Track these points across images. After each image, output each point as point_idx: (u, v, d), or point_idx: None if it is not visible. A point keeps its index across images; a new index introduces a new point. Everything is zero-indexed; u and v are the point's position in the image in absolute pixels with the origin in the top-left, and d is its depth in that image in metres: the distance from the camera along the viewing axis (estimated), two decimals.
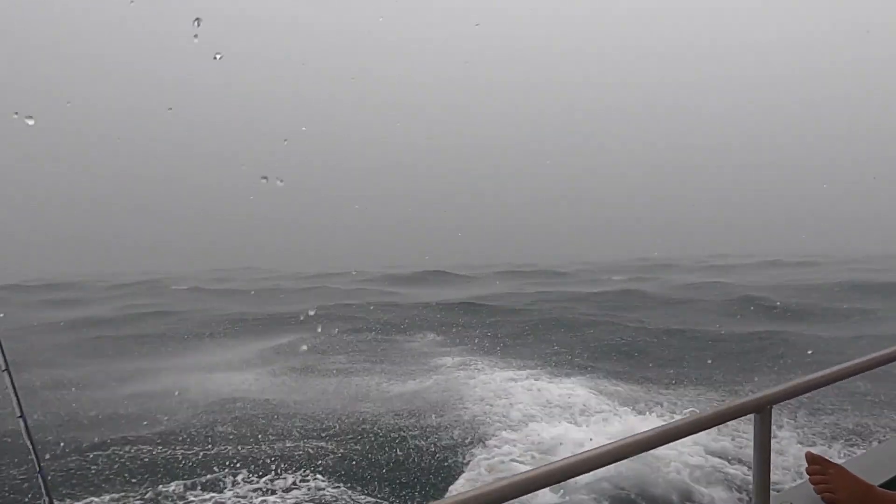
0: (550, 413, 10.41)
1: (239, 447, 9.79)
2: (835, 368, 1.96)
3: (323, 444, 10.08)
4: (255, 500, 7.75)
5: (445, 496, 1.21)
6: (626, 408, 11.08)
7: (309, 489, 8.11)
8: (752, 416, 1.73)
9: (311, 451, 9.65)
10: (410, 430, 10.17)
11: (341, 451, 9.61)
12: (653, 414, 10.73)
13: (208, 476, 8.71)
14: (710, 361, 16.08)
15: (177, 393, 12.66)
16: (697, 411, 1.71)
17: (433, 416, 10.99)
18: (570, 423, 9.67)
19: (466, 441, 9.23)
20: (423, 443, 9.56)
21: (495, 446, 8.60)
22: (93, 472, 8.79)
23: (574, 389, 12.35)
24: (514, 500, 1.19)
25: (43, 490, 1.96)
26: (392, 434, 10.10)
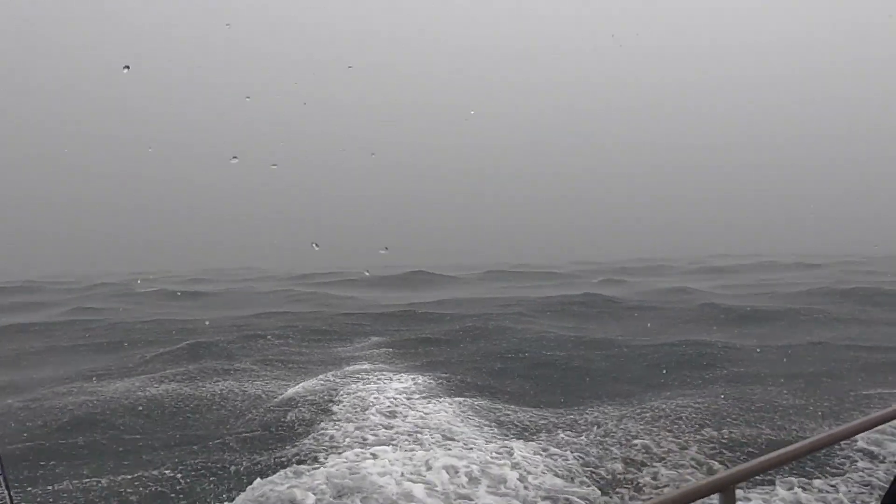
0: (393, 440, 9.61)
1: (57, 484, 8.99)
2: (799, 444, 1.94)
3: (158, 473, 9.32)
4: None
5: None
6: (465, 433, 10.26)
7: None
8: (716, 496, 1.74)
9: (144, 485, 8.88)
10: (251, 452, 9.45)
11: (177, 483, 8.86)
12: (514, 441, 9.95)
13: None
14: (621, 376, 15.24)
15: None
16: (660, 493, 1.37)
17: (281, 437, 10.28)
18: (401, 453, 8.82)
19: (270, 467, 8.49)
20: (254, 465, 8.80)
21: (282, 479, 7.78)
22: None
23: (446, 412, 11.53)
24: None
25: None
26: (226, 461, 9.34)
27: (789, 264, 68.13)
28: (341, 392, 12.64)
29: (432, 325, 22.16)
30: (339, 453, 8.90)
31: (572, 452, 9.41)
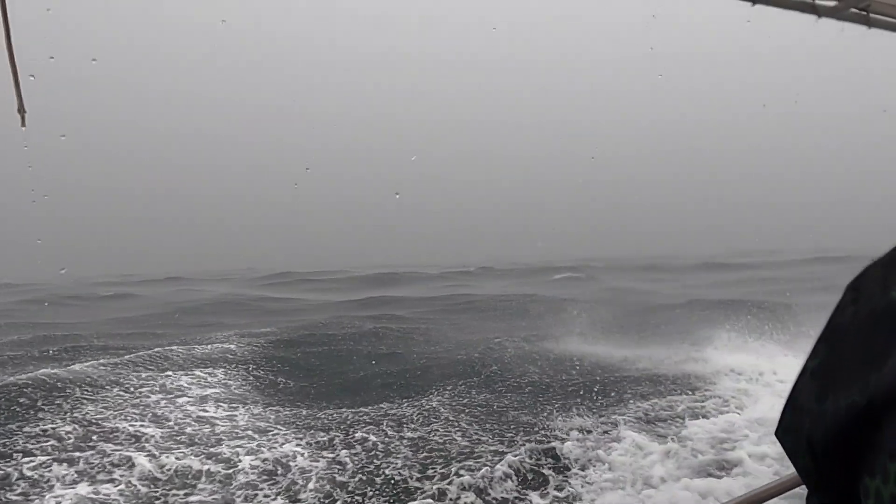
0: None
1: None
2: (785, 478, 1.87)
3: None
4: None
5: None
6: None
7: None
8: None
9: None
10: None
11: None
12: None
13: None
14: (448, 376, 13.52)
15: None
16: None
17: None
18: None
19: None
20: None
21: None
22: None
23: (230, 419, 10.10)
24: None
25: None
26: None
27: (798, 260, 64.88)
28: (114, 388, 11.16)
29: (309, 323, 20.65)
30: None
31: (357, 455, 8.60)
